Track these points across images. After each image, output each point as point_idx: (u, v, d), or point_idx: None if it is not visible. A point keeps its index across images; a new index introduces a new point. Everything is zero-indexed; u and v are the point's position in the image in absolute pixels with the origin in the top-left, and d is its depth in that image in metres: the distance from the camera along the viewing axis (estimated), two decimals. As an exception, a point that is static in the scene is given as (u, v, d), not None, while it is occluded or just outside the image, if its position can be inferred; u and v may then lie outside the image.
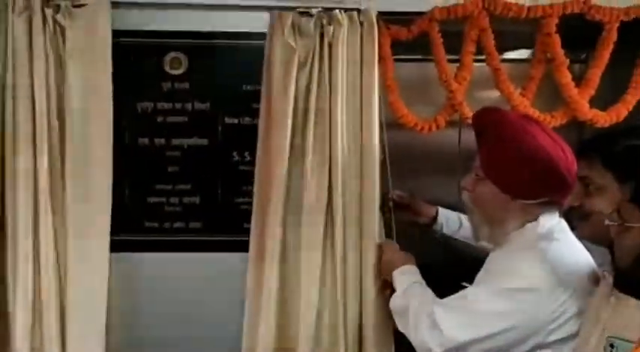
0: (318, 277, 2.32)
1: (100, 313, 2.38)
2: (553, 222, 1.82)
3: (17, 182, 2.29)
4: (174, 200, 2.63)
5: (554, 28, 2.30)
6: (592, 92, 2.36)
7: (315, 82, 2.31)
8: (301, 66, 2.32)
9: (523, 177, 1.77)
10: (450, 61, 2.36)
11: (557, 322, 1.67)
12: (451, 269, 2.20)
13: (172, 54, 2.59)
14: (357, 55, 2.31)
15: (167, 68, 2.59)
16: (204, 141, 2.63)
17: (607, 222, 1.47)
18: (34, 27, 2.26)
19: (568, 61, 2.33)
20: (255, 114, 2.46)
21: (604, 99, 2.41)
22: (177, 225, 2.65)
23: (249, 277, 2.40)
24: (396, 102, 2.34)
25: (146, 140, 2.61)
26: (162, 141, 2.61)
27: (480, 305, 1.73)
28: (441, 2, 2.32)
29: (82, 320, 2.36)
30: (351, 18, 2.30)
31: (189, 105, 2.61)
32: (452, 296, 1.87)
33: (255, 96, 2.43)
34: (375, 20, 2.29)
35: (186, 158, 2.62)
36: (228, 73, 2.60)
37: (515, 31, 2.45)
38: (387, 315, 2.21)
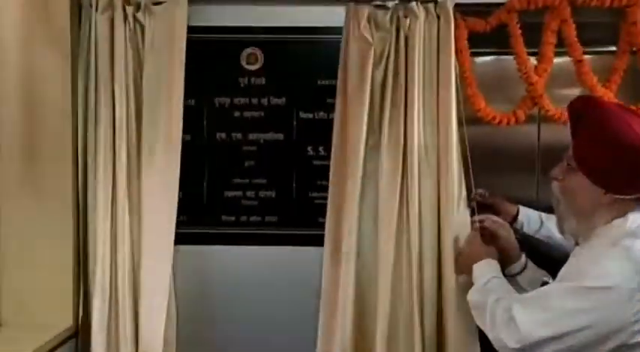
0: (391, 273, 2.30)
1: (167, 302, 2.42)
2: None
3: (98, 174, 2.36)
4: (250, 194, 2.67)
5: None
6: (679, 83, 2.27)
7: (391, 76, 2.30)
8: (377, 60, 2.31)
9: (617, 171, 1.71)
10: (528, 54, 2.31)
11: (637, 324, 1.61)
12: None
13: (249, 49, 2.63)
14: (433, 49, 2.28)
15: (244, 63, 2.63)
16: (280, 136, 2.66)
17: None
18: (116, 24, 2.34)
19: (655, 51, 2.25)
20: (330, 109, 2.47)
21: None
22: (253, 218, 2.68)
23: (324, 273, 2.39)
24: (474, 96, 2.30)
25: (223, 134, 2.66)
26: (239, 135, 2.66)
27: (557, 302, 1.68)
28: (519, -8, 2.27)
29: (155, 309, 2.41)
30: (427, 10, 2.29)
31: (265, 100, 2.65)
32: (531, 293, 1.83)
33: (330, 91, 2.44)
34: (451, 12, 2.27)
35: (262, 152, 2.66)
36: (303, 68, 2.62)
37: (598, 22, 2.37)
38: (468, 313, 2.19)
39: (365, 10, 2.29)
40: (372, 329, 2.33)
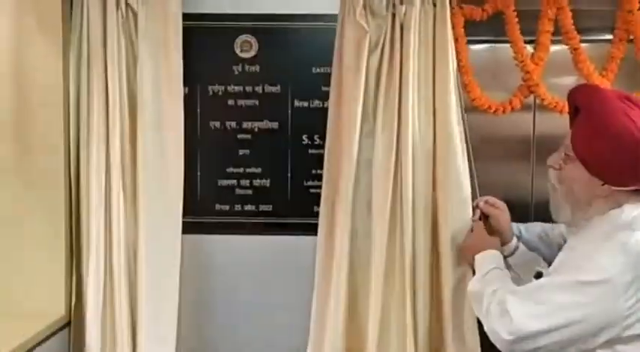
0: (384, 259, 2.28)
1: (172, 293, 2.41)
2: (639, 211, 1.72)
3: (90, 162, 2.34)
4: (244, 183, 2.66)
5: (636, 5, 2.20)
6: (677, 71, 2.25)
7: (386, 64, 2.27)
8: (373, 48, 2.28)
9: (616, 163, 1.68)
10: (524, 42, 2.29)
11: (634, 317, 1.60)
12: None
13: (243, 37, 2.61)
14: (429, 36, 2.26)
15: (238, 51, 2.61)
16: (275, 125, 2.65)
17: None
18: (108, 12, 2.31)
19: (652, 39, 2.23)
20: (325, 97, 2.45)
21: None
22: (247, 207, 2.68)
23: (317, 258, 2.38)
24: (470, 84, 2.29)
25: (217, 123, 2.65)
26: (234, 124, 2.65)
27: (551, 296, 1.67)
28: (516, -20, 2.25)
29: (154, 302, 2.39)
30: (423, -3, 2.26)
31: (259, 88, 2.63)
32: (526, 285, 1.81)
33: (326, 78, 2.42)
34: (448, -1, 2.24)
35: (257, 141, 2.65)
36: (298, 56, 2.61)
37: (594, 10, 2.36)
38: (467, 306, 2.19)
39: (360, -3, 2.26)
40: (365, 314, 2.33)
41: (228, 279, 2.67)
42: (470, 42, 2.33)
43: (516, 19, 2.26)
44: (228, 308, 2.66)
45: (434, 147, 2.28)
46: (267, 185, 2.66)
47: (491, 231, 2.13)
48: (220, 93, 2.63)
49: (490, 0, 2.28)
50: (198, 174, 2.65)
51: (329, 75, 2.36)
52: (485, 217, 2.12)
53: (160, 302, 2.40)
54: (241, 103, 2.63)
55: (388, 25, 2.27)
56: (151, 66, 2.35)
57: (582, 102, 1.78)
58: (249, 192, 2.66)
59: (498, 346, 1.75)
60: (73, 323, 2.44)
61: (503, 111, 2.32)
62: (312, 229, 2.42)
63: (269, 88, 2.63)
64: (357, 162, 2.30)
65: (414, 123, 2.26)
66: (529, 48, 2.30)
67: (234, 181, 2.66)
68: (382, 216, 2.28)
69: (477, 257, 2.02)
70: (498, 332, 1.71)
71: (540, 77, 2.28)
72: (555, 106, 2.26)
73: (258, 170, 2.66)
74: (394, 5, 2.26)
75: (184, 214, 2.44)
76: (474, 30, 2.34)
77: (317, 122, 2.47)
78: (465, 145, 2.25)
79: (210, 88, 2.63)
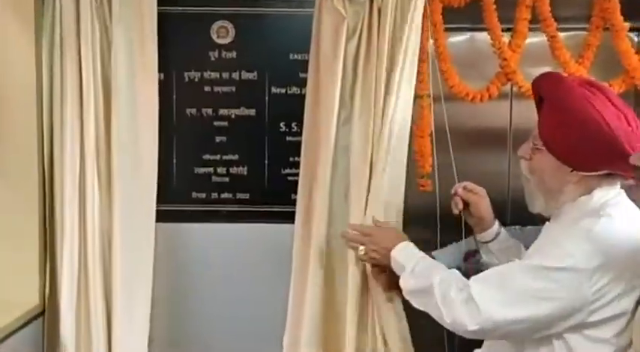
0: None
1: (146, 283, 2.40)
2: (609, 196, 1.73)
3: (64, 149, 2.32)
4: (221, 170, 2.64)
5: (613, -8, 2.22)
6: (653, 59, 2.26)
7: (364, 49, 2.27)
8: (350, 34, 2.27)
9: (582, 148, 1.69)
10: (502, 30, 2.28)
11: (598, 302, 1.61)
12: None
13: (219, 22, 2.58)
14: (406, 22, 2.24)
15: (214, 37, 2.59)
16: (252, 112, 2.63)
17: None
18: (82, -5, 2.27)
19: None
20: (303, 83, 2.43)
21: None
22: (224, 195, 2.66)
23: (295, 245, 2.38)
24: (448, 71, 2.28)
25: (193, 110, 2.62)
26: (210, 111, 2.62)
27: (516, 281, 1.67)
28: (494, -34, 2.25)
29: (128, 289, 2.37)
30: (401, -18, 2.25)
31: (236, 75, 2.61)
32: (490, 271, 1.81)
33: (303, 65, 2.41)
34: (426, -15, 2.23)
35: (234, 128, 2.63)
36: (275, 42, 2.59)
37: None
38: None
39: (338, -18, 2.25)
40: (343, 300, 2.32)
41: (205, 268, 2.65)
42: (448, 30, 2.33)
43: (494, 7, 2.26)
44: (204, 297, 2.64)
45: (410, 135, 2.28)
46: (245, 173, 2.64)
47: (472, 217, 2.11)
48: (196, 79, 2.60)
49: (468, -14, 2.27)
50: (174, 161, 2.62)
51: (307, 61, 2.35)
52: (465, 204, 2.10)
53: (135, 291, 2.39)
54: (218, 90, 2.60)
55: (366, 11, 2.26)
56: (125, 51, 2.32)
57: (546, 91, 1.79)
58: (226, 179, 2.64)
59: (461, 334, 1.74)
60: (47, 313, 2.41)
61: (481, 99, 2.32)
62: (289, 217, 2.42)
63: (246, 75, 2.60)
64: (334, 148, 2.29)
65: (391, 110, 2.25)
66: (507, 37, 2.30)
67: (211, 169, 2.64)
68: (359, 201, 2.28)
69: (393, 253, 1.96)
70: (463, 323, 1.69)
71: (517, 64, 2.28)
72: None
73: (235, 157, 2.63)
74: (372, -9, 2.25)
75: (160, 202, 2.42)
76: (452, 17, 2.33)
77: (295, 109, 2.45)
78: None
79: (186, 74, 2.60)
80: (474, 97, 2.32)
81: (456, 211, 2.07)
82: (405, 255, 1.94)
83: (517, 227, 2.28)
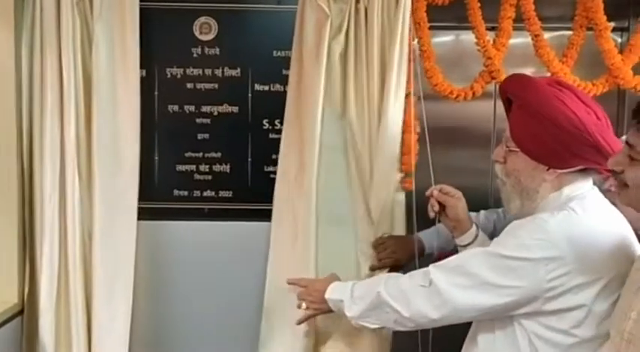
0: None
1: (127, 281, 2.37)
2: (578, 192, 1.75)
3: (44, 147, 2.28)
4: (203, 168, 2.62)
5: (597, -10, 2.22)
6: (636, 59, 2.27)
7: (352, 48, 2.25)
8: (336, 32, 2.26)
9: (556, 145, 1.70)
10: (486, 29, 2.30)
11: (552, 292, 1.62)
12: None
13: (202, 19, 2.56)
14: (392, 21, 2.24)
15: (197, 33, 2.56)
16: (235, 109, 2.61)
17: None
18: (62, -9, 2.24)
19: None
20: (286, 81, 2.41)
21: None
22: (206, 193, 2.64)
23: (272, 238, 2.39)
24: (432, 69, 2.28)
25: (176, 107, 2.60)
26: (192, 108, 2.60)
27: (474, 268, 1.69)
28: (479, -36, 2.24)
29: (109, 288, 2.35)
30: (386, -20, 2.24)
31: (219, 72, 2.59)
32: (449, 259, 1.80)
33: (287, 62, 2.39)
34: (409, -18, 2.22)
35: (216, 125, 2.61)
36: (258, 39, 2.57)
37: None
38: None
39: (322, -22, 2.23)
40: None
41: (187, 266, 2.63)
42: (432, 28, 2.33)
43: (478, 5, 2.26)
44: (185, 295, 2.62)
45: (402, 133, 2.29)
46: (227, 170, 2.62)
47: (449, 220, 2.11)
48: (179, 76, 2.58)
49: (452, -15, 2.27)
50: (156, 158, 2.60)
51: (290, 58, 2.33)
52: (442, 207, 2.09)
53: (115, 290, 2.36)
54: (200, 87, 2.58)
55: (352, 8, 2.25)
56: (106, 48, 2.30)
57: (514, 92, 1.80)
58: (209, 177, 2.62)
59: (424, 326, 1.79)
60: (26, 311, 2.38)
61: (465, 97, 2.33)
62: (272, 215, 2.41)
63: (229, 72, 2.58)
64: (319, 147, 2.28)
65: (385, 110, 2.25)
66: (491, 36, 2.31)
67: (193, 166, 2.62)
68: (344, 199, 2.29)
69: (327, 296, 1.96)
70: (423, 310, 1.73)
71: (501, 63, 2.29)
72: (516, 92, 2.27)
73: (218, 155, 2.62)
74: (356, -11, 2.24)
75: (142, 200, 2.39)
76: (436, 16, 2.33)
77: (278, 106, 2.44)
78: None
79: (168, 70, 2.57)
80: (458, 96, 2.32)
81: (432, 214, 2.06)
82: (339, 291, 1.95)
83: (501, 210, 2.27)
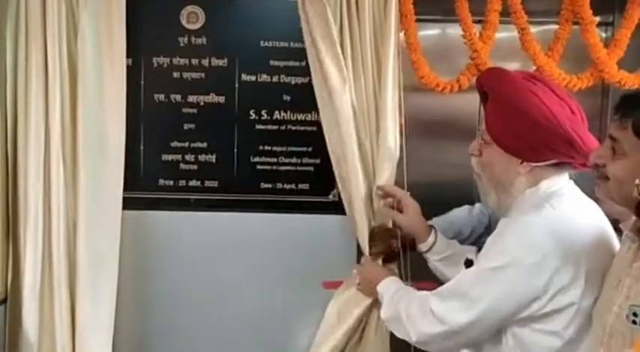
0: None
1: (111, 271, 2.36)
2: (556, 187, 1.76)
3: (29, 136, 2.27)
4: (189, 158, 2.62)
5: (582, -15, 2.24)
6: (621, 53, 2.28)
7: (348, 39, 2.22)
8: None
9: (529, 138, 1.72)
10: (473, 22, 2.29)
11: (549, 293, 1.62)
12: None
13: (189, 8, 2.55)
14: (381, 12, 2.23)
15: (184, 22, 2.55)
16: (221, 99, 2.60)
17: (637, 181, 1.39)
18: (47, -22, 2.22)
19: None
20: (273, 71, 2.42)
21: (633, 61, 2.34)
22: (192, 183, 2.63)
23: None
24: (418, 62, 2.28)
25: (162, 96, 2.59)
26: (179, 97, 2.59)
27: (468, 289, 1.70)
28: (465, -43, 2.24)
29: (93, 277, 2.34)
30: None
31: (205, 61, 2.58)
32: (446, 284, 1.83)
33: (274, 52, 2.40)
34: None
35: (203, 115, 2.60)
36: (246, 29, 2.56)
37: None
38: None
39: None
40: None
41: (172, 257, 2.63)
42: (419, 21, 2.32)
43: (465, -3, 2.27)
44: (170, 286, 2.62)
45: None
46: (213, 160, 2.62)
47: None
48: (165, 65, 2.57)
49: (439, -23, 2.27)
50: (142, 148, 2.59)
51: (277, 49, 2.35)
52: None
53: (100, 280, 2.35)
54: (187, 76, 2.57)
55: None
56: (92, 36, 2.27)
57: (490, 86, 1.82)
58: (194, 167, 2.62)
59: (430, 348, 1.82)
60: (9, 300, 2.37)
61: (451, 90, 2.33)
62: (258, 206, 2.41)
63: (216, 61, 2.58)
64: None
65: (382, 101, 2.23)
66: (478, 29, 2.31)
67: (179, 156, 2.61)
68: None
69: (379, 288, 2.03)
70: (427, 332, 1.76)
71: (488, 56, 2.29)
72: (503, 86, 2.28)
73: (204, 145, 2.61)
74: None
75: (127, 190, 2.38)
76: (423, 9, 2.32)
77: (264, 97, 2.45)
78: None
79: (154, 59, 2.56)
80: (444, 88, 2.32)
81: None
82: (386, 288, 2.01)
83: None
